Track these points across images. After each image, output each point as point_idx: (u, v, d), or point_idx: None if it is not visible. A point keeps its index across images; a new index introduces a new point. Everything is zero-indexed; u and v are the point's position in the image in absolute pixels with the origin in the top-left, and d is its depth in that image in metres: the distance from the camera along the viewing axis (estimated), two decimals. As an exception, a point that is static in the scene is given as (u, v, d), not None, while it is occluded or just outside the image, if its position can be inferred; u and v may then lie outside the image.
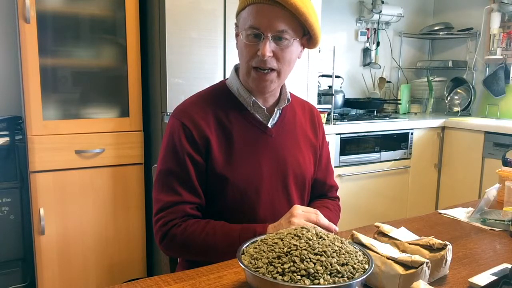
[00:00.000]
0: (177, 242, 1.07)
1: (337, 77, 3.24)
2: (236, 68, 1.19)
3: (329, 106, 2.90)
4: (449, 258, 0.91)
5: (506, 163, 1.61)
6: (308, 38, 1.13)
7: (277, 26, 1.04)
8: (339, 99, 3.24)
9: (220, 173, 1.10)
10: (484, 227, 1.24)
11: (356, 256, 0.79)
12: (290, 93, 1.23)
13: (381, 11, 3.40)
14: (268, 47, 1.05)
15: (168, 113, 2.08)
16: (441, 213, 1.35)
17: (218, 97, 1.17)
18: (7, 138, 2.07)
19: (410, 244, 0.93)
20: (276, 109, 1.18)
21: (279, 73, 1.10)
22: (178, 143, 1.10)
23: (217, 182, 1.11)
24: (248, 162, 1.13)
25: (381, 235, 1.00)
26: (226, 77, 1.26)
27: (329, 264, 0.74)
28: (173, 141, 1.11)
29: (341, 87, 3.42)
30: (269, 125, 1.17)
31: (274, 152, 1.16)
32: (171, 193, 1.09)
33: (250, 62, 1.08)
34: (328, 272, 0.73)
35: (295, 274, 0.72)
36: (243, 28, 1.07)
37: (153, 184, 1.16)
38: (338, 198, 1.34)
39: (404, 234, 0.98)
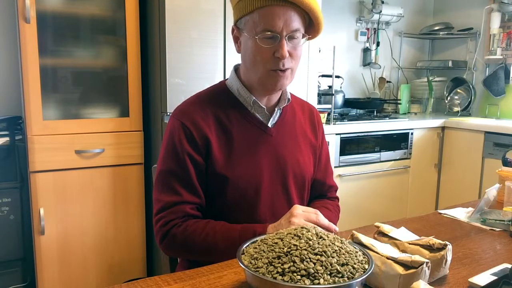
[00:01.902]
0: (178, 242, 1.07)
1: (337, 77, 3.24)
2: (236, 68, 1.19)
3: (329, 106, 2.90)
4: (449, 258, 0.91)
5: (506, 163, 1.61)
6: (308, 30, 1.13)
7: (292, 26, 1.05)
8: (339, 99, 3.24)
9: (220, 172, 1.10)
10: (484, 227, 1.24)
11: (356, 256, 0.79)
12: (290, 93, 1.24)
13: (381, 11, 3.40)
14: (286, 48, 1.05)
15: (168, 113, 2.08)
16: (441, 213, 1.35)
17: (218, 97, 1.17)
18: (7, 138, 2.07)
19: (410, 244, 0.94)
20: (276, 109, 1.19)
21: (293, 70, 1.12)
22: (178, 143, 1.10)
23: (217, 181, 1.11)
24: (248, 161, 1.13)
25: (381, 235, 1.00)
26: (226, 77, 1.26)
27: (329, 264, 0.74)
28: (173, 141, 1.11)
29: (341, 87, 3.42)
30: (269, 125, 1.17)
31: (274, 151, 1.16)
32: (171, 193, 1.09)
33: (267, 65, 1.08)
34: (328, 272, 0.73)
35: (295, 274, 0.72)
36: (254, 31, 1.06)
37: (153, 184, 1.16)
38: (337, 198, 1.34)
39: (404, 234, 0.98)
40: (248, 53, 1.10)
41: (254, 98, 1.15)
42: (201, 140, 1.10)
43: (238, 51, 1.15)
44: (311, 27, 1.12)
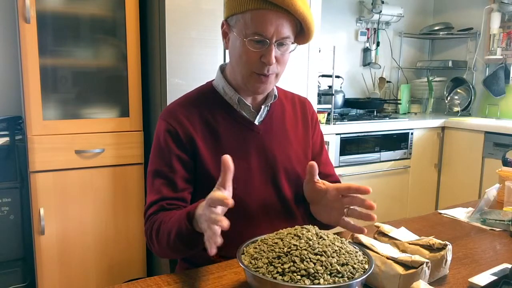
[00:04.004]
0: (149, 239, 1.07)
1: (337, 77, 3.24)
2: (223, 68, 1.19)
3: (329, 106, 2.90)
4: (449, 258, 0.91)
5: (506, 163, 1.61)
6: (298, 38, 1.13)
7: (283, 33, 1.04)
8: (339, 99, 3.24)
9: (209, 172, 1.10)
10: (484, 227, 1.24)
11: (356, 256, 0.79)
12: (280, 89, 1.24)
13: (381, 11, 3.40)
14: (273, 54, 1.05)
15: (168, 113, 2.08)
16: (441, 213, 1.36)
17: (204, 97, 1.17)
18: (7, 138, 2.07)
19: (410, 244, 0.94)
20: (263, 106, 1.18)
21: (278, 75, 1.12)
22: (163, 143, 1.11)
23: (207, 181, 1.11)
24: (236, 159, 1.13)
25: (381, 235, 1.00)
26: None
27: (329, 264, 0.74)
28: (158, 141, 1.12)
29: (341, 87, 3.42)
30: (256, 122, 1.17)
31: (262, 148, 1.16)
32: (154, 192, 1.10)
33: (252, 67, 1.08)
34: (328, 272, 0.73)
35: (295, 274, 0.72)
36: (244, 33, 1.05)
37: None
38: None
39: (404, 234, 0.99)
40: (235, 52, 1.10)
41: (239, 96, 1.15)
42: (186, 138, 1.10)
43: (226, 47, 1.14)
44: (302, 34, 1.11)
